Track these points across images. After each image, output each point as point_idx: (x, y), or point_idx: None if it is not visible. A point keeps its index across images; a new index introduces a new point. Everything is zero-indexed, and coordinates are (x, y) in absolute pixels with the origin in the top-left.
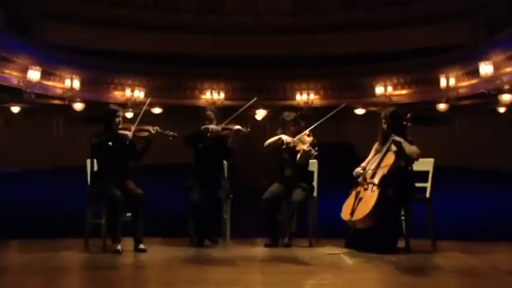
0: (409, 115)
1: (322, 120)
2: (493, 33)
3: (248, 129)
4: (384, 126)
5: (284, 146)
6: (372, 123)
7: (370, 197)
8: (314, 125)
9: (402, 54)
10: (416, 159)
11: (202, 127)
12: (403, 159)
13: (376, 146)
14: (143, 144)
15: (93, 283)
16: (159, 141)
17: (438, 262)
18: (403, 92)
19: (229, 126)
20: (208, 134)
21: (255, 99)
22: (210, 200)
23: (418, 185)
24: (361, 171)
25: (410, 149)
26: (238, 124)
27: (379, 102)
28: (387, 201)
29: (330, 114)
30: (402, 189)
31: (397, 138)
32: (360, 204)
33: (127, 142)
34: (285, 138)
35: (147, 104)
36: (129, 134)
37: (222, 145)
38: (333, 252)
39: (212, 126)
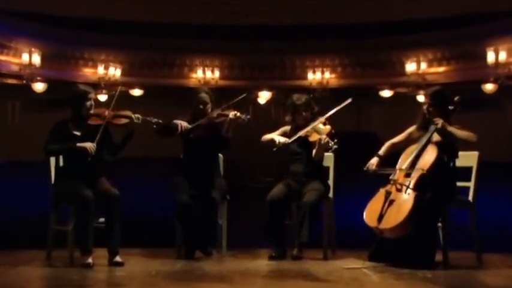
0: (457, 98)
1: (344, 105)
2: None
3: (248, 117)
4: (426, 109)
5: (275, 149)
6: (400, 109)
7: (404, 201)
8: (333, 111)
9: (439, 23)
10: (472, 142)
11: (173, 121)
12: (448, 155)
13: (412, 129)
14: (123, 135)
15: None
16: (141, 129)
17: (483, 280)
18: (440, 69)
19: (226, 112)
20: (201, 121)
21: (244, 95)
22: (202, 201)
23: (459, 184)
24: (374, 168)
25: (463, 133)
26: (236, 110)
27: (410, 83)
28: (424, 207)
29: (343, 104)
30: (442, 191)
31: (441, 124)
32: (391, 209)
33: (88, 159)
34: (278, 139)
35: (118, 90)
36: (90, 147)
37: (216, 134)
38: (353, 266)
39: (183, 123)
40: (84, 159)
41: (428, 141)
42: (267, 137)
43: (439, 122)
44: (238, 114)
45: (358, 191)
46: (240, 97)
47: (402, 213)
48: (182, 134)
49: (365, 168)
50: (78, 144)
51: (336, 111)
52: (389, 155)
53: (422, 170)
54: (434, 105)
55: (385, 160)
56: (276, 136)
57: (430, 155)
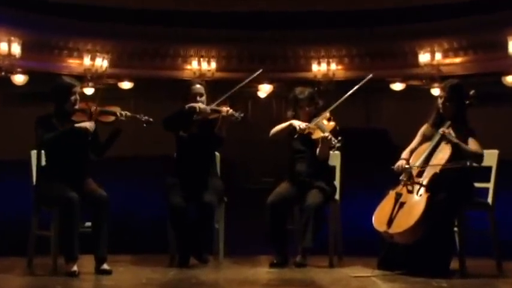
0: (472, 92)
1: (346, 96)
2: None
3: (242, 115)
4: (442, 103)
5: (296, 135)
6: (413, 103)
7: (416, 203)
8: (336, 104)
9: (456, 9)
10: (477, 163)
11: (187, 105)
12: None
13: (424, 128)
14: (109, 134)
15: None
16: (131, 126)
17: None
18: (457, 60)
19: (219, 108)
20: (194, 116)
21: (260, 70)
22: (197, 204)
23: (477, 185)
24: (406, 166)
25: (468, 149)
26: (233, 105)
27: (424, 74)
28: (438, 209)
29: (355, 88)
30: (457, 192)
31: (450, 137)
32: (402, 212)
33: (89, 138)
34: (298, 124)
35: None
36: (90, 126)
37: (210, 132)
38: (361, 274)
39: (200, 105)
40: (68, 158)
41: (442, 139)
42: (282, 125)
43: (445, 131)
44: (231, 111)
45: (366, 192)
46: (254, 74)
47: (414, 216)
48: (199, 117)
49: (395, 168)
50: (77, 125)
51: (340, 103)
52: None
53: (435, 169)
54: (450, 99)
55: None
56: (296, 121)
57: (443, 153)
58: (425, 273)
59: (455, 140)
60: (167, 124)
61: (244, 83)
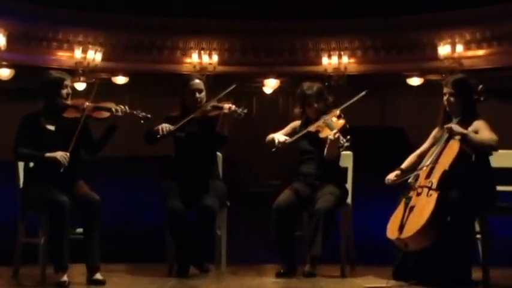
0: (480, 87)
1: (360, 96)
2: None
3: (245, 111)
4: (447, 100)
5: (273, 150)
6: (432, 100)
7: (425, 204)
8: (349, 103)
9: None
10: (492, 150)
11: (155, 128)
12: (476, 152)
13: (435, 132)
14: (104, 131)
15: None
16: (127, 124)
17: None
18: (480, 52)
19: (220, 105)
20: (192, 116)
21: (234, 85)
22: (198, 209)
23: (500, 188)
24: (394, 178)
25: (478, 136)
26: (236, 101)
27: (444, 68)
28: (452, 209)
29: (358, 97)
30: (474, 190)
31: (455, 128)
32: (412, 216)
33: (61, 170)
34: (278, 138)
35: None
36: (62, 157)
37: (211, 130)
38: (375, 285)
39: (165, 128)
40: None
41: (449, 138)
42: (269, 136)
43: (451, 126)
44: (234, 108)
45: (381, 196)
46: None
47: (423, 217)
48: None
49: (386, 181)
50: (47, 155)
51: (351, 103)
52: (417, 165)
53: (444, 166)
54: (454, 94)
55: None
56: (277, 135)
57: (451, 150)
58: (444, 284)
59: (462, 131)
60: (145, 140)
61: (220, 95)
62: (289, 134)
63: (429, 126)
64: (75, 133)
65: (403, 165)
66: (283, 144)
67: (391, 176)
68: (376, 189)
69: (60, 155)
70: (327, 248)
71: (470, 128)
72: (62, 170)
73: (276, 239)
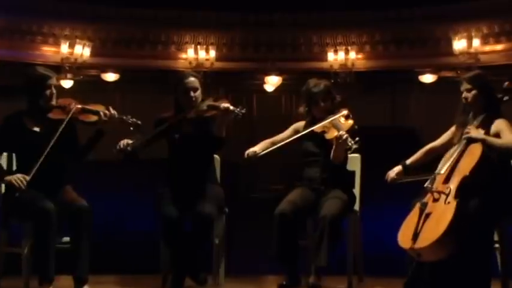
0: (506, 84)
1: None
2: None
3: (243, 111)
4: (464, 97)
5: (247, 160)
6: (446, 98)
7: (443, 212)
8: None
9: None
10: None
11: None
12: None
13: (453, 129)
14: (91, 136)
15: None
16: (117, 126)
17: None
18: (498, 47)
19: (217, 104)
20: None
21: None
22: (193, 216)
23: None
24: (396, 177)
25: (498, 141)
26: (234, 100)
27: (459, 64)
28: (471, 219)
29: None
30: (495, 200)
31: (474, 136)
32: (428, 224)
33: (16, 195)
34: (250, 150)
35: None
36: (18, 182)
37: (206, 131)
38: None
39: (19, 182)
40: (43, 163)
41: (468, 143)
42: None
43: (470, 129)
44: (231, 107)
45: (391, 202)
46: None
47: (441, 226)
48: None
49: (385, 177)
50: (7, 178)
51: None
52: (424, 163)
53: (464, 172)
54: (472, 89)
55: (414, 170)
56: (257, 146)
57: (473, 154)
58: None
59: (482, 137)
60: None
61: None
62: (290, 137)
63: (443, 126)
64: (56, 136)
65: (408, 161)
66: (254, 155)
67: (392, 173)
68: (386, 194)
69: (16, 178)
70: (333, 258)
71: (492, 129)
72: (17, 195)
73: (278, 248)
